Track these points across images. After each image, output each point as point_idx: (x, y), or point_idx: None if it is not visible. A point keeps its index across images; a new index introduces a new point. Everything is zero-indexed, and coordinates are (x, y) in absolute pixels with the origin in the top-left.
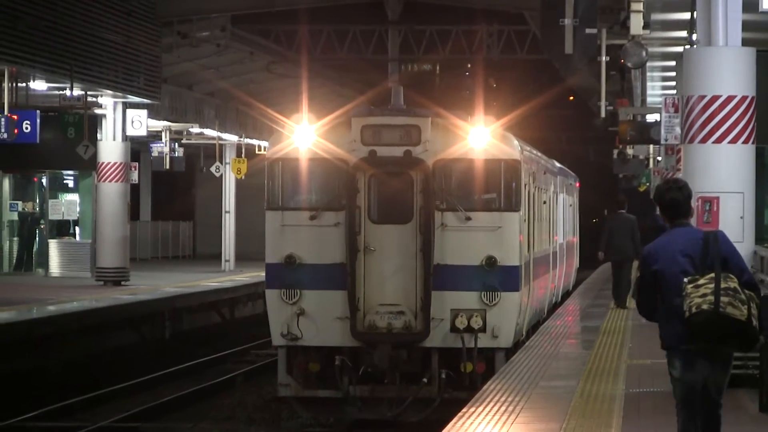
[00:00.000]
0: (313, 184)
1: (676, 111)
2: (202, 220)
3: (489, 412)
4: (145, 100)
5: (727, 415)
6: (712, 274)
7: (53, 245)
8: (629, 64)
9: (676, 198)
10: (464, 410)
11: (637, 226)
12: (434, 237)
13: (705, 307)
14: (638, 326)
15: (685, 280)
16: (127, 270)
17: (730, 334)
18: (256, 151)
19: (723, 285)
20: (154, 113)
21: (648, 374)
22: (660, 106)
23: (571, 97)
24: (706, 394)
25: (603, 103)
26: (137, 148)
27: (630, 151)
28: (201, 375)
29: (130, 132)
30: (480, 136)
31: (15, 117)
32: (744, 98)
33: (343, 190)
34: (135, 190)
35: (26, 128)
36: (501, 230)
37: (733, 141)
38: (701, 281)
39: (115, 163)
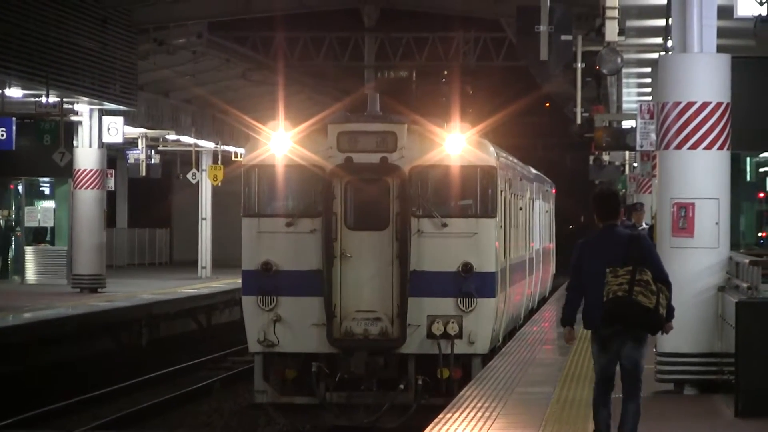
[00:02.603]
0: (290, 191)
1: (652, 117)
2: (179, 227)
3: (465, 418)
4: (122, 107)
5: (703, 421)
6: (630, 267)
7: (29, 252)
8: (604, 71)
9: (610, 204)
10: (441, 416)
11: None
12: (410, 243)
13: (620, 293)
14: None
15: (607, 270)
16: (104, 277)
17: (638, 318)
18: (233, 158)
19: (638, 277)
20: (130, 120)
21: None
22: (635, 112)
23: (547, 104)
24: (624, 369)
25: (579, 109)
26: (113, 155)
27: (606, 157)
28: (177, 382)
29: (106, 139)
30: (456, 143)
31: None
32: (719, 104)
33: (320, 196)
34: (111, 197)
35: (2, 135)
36: (477, 236)
37: (709, 147)
38: (620, 272)
39: (91, 170)
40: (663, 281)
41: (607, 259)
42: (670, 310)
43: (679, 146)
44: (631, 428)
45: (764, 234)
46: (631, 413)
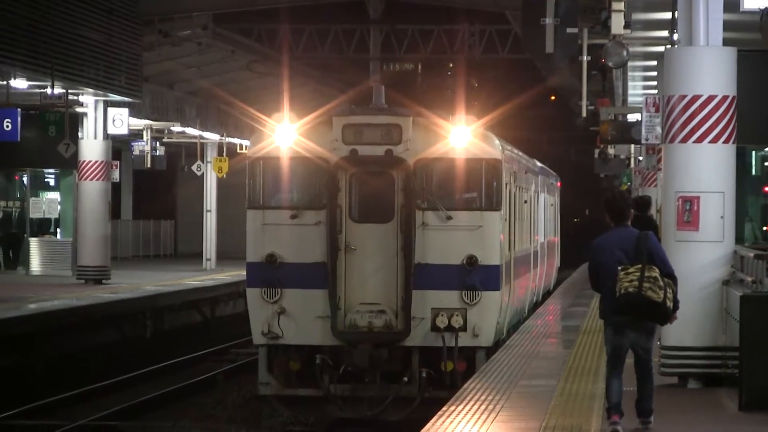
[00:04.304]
0: (295, 183)
1: (657, 110)
2: (184, 219)
3: (469, 411)
4: (126, 99)
5: (707, 414)
6: (640, 265)
7: (34, 243)
8: (610, 64)
9: (621, 206)
10: (444, 409)
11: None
12: (415, 236)
13: (631, 289)
14: None
15: (619, 268)
16: (109, 268)
17: (647, 311)
18: (238, 150)
19: (647, 274)
20: (135, 112)
21: (628, 373)
22: (641, 105)
23: (553, 97)
24: (637, 355)
25: (584, 102)
26: (118, 147)
27: (611, 150)
28: (181, 374)
29: (111, 130)
30: (461, 136)
31: None
32: (725, 98)
33: (324, 189)
34: (116, 188)
35: (7, 126)
36: (482, 229)
37: (714, 140)
38: (631, 270)
39: (96, 162)
40: (669, 276)
41: (618, 257)
42: (676, 302)
43: (684, 140)
44: (648, 404)
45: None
46: (647, 392)
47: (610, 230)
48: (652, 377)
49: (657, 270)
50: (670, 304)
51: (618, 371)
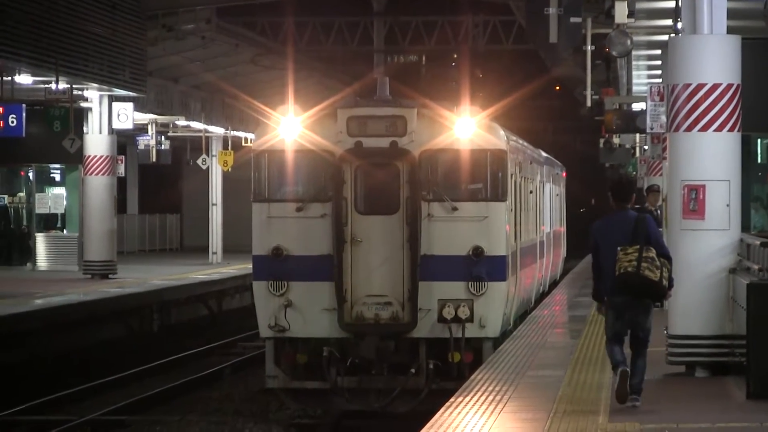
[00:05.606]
0: (300, 176)
1: (662, 99)
2: (189, 213)
3: (477, 401)
4: (131, 93)
5: (714, 403)
6: (638, 246)
7: (40, 239)
8: (614, 53)
9: (627, 189)
10: (452, 400)
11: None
12: (421, 227)
13: (630, 269)
14: None
15: (618, 249)
16: (115, 263)
17: (645, 289)
18: (243, 144)
19: (644, 254)
20: (139, 106)
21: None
22: (645, 94)
23: (558, 87)
24: (634, 333)
25: (589, 92)
26: (123, 142)
27: (616, 140)
28: (188, 367)
29: (116, 125)
30: (466, 127)
31: (1, 110)
32: (729, 86)
33: (330, 181)
34: (122, 183)
35: (12, 122)
36: (487, 220)
37: (719, 129)
38: (629, 250)
39: (101, 157)
40: (665, 256)
41: (616, 238)
42: (671, 281)
43: (689, 128)
44: (640, 379)
45: None
46: (639, 367)
47: (611, 213)
48: (645, 354)
49: (654, 251)
50: (665, 282)
51: (620, 350)
